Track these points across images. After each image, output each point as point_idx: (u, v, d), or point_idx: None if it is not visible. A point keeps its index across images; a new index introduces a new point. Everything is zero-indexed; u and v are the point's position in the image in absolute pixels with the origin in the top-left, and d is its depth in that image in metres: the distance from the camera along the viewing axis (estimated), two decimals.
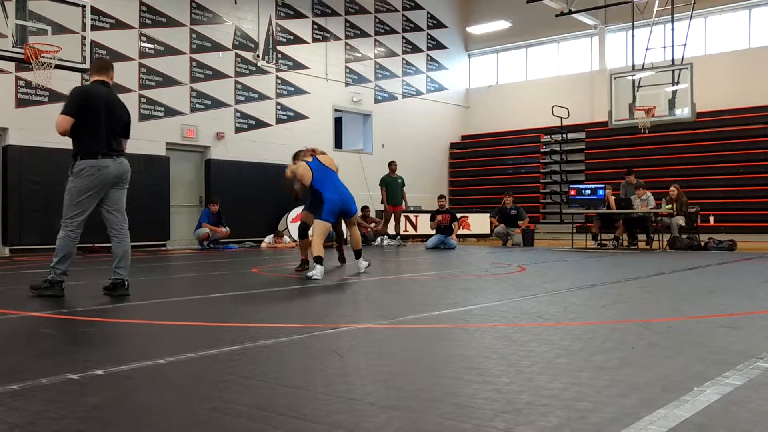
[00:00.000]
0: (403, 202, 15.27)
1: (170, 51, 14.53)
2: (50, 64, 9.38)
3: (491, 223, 15.50)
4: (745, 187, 16.14)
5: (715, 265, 8.81)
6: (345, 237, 8.94)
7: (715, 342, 3.49)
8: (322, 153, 7.94)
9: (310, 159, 7.73)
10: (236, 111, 15.78)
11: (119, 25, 13.69)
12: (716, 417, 2.17)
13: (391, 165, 15.52)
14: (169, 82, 14.48)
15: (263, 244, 14.39)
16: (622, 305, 5.01)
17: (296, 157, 8.02)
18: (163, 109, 14.36)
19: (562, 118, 19.19)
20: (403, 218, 16.48)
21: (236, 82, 15.78)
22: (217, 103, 15.35)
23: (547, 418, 2.15)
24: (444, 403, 2.32)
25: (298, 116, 17.10)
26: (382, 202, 15.32)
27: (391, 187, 15.17)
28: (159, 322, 4.28)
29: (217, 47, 15.42)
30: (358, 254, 7.74)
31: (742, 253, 11.65)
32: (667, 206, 13.14)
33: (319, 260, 6.96)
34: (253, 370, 2.84)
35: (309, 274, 6.91)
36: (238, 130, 15.78)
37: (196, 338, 3.74)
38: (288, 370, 2.86)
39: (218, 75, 15.41)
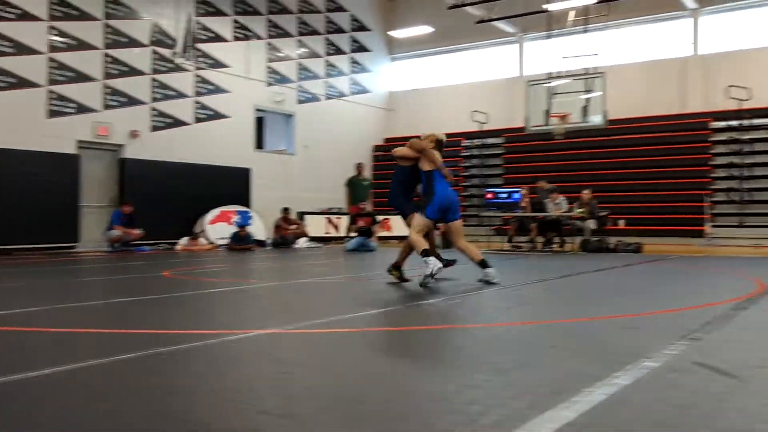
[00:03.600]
0: (368, 203, 14.75)
1: (83, 45, 13.98)
2: None
3: None
4: (651, 192, 16.86)
5: (622, 267, 9.14)
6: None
7: (610, 342, 3.60)
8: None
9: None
10: (153, 109, 15.33)
11: (26, 16, 13.06)
12: (600, 417, 2.23)
13: (359, 166, 15.40)
14: (81, 77, 13.92)
15: (178, 247, 14.03)
16: (528, 307, 5.12)
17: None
18: (74, 105, 13.79)
19: (481, 123, 19.56)
20: (336, 219, 16.73)
21: (153, 80, 15.34)
22: (132, 101, 14.87)
23: (436, 422, 2.15)
24: (335, 410, 2.30)
25: (218, 115, 16.78)
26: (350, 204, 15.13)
27: (357, 188, 15.04)
28: (57, 329, 4.09)
29: (134, 43, 14.95)
30: (482, 264, 6.56)
31: (648, 255, 12.14)
32: (579, 210, 13.58)
33: (427, 253, 6.23)
34: (150, 378, 2.75)
35: (427, 272, 6.08)
36: (154, 128, 15.34)
37: (94, 346, 3.59)
38: (185, 378, 2.78)
39: (134, 72, 14.94)
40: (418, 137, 7.02)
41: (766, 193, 16.00)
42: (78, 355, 3.17)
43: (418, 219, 6.63)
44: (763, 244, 14.97)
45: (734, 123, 16.46)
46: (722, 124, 16.76)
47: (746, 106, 16.19)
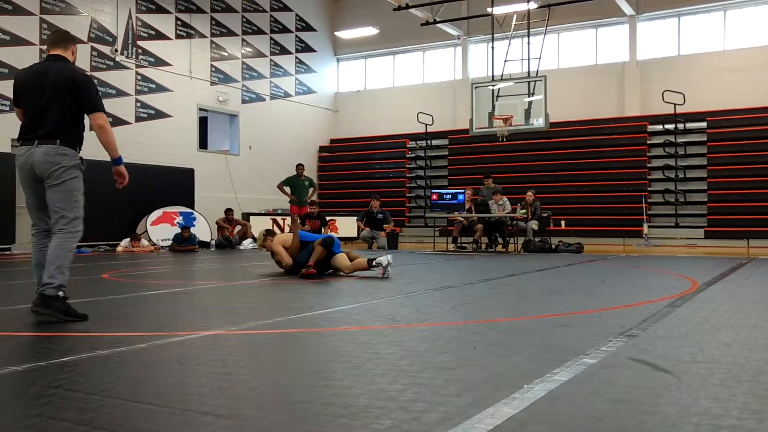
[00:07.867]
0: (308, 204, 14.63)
1: (17, 41, 13.53)
2: None
3: (358, 226, 15.63)
4: (592, 194, 17.29)
5: (564, 267, 9.35)
6: None
7: (550, 340, 3.68)
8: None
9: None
10: None
11: None
12: (539, 412, 2.28)
13: (299, 167, 15.20)
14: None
15: (119, 248, 13.68)
16: (471, 306, 5.19)
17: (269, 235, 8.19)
18: (8, 102, 13.33)
19: (426, 124, 19.71)
20: (281, 220, 16.57)
21: (92, 77, 14.93)
22: None
23: (381, 420, 2.17)
24: (278, 411, 2.29)
25: (160, 114, 16.46)
26: (290, 202, 14.95)
27: (297, 188, 14.88)
28: None
29: None
30: (369, 263, 7.64)
31: (588, 255, 12.46)
32: (522, 211, 13.82)
33: (370, 261, 7.63)
34: (83, 383, 2.68)
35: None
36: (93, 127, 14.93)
37: (24, 350, 3.48)
38: (120, 382, 2.72)
39: None
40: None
41: (700, 194, 16.60)
42: (11, 359, 3.07)
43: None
44: (697, 244, 15.53)
45: (670, 127, 17.02)
46: (659, 127, 17.32)
47: (680, 110, 16.76)
